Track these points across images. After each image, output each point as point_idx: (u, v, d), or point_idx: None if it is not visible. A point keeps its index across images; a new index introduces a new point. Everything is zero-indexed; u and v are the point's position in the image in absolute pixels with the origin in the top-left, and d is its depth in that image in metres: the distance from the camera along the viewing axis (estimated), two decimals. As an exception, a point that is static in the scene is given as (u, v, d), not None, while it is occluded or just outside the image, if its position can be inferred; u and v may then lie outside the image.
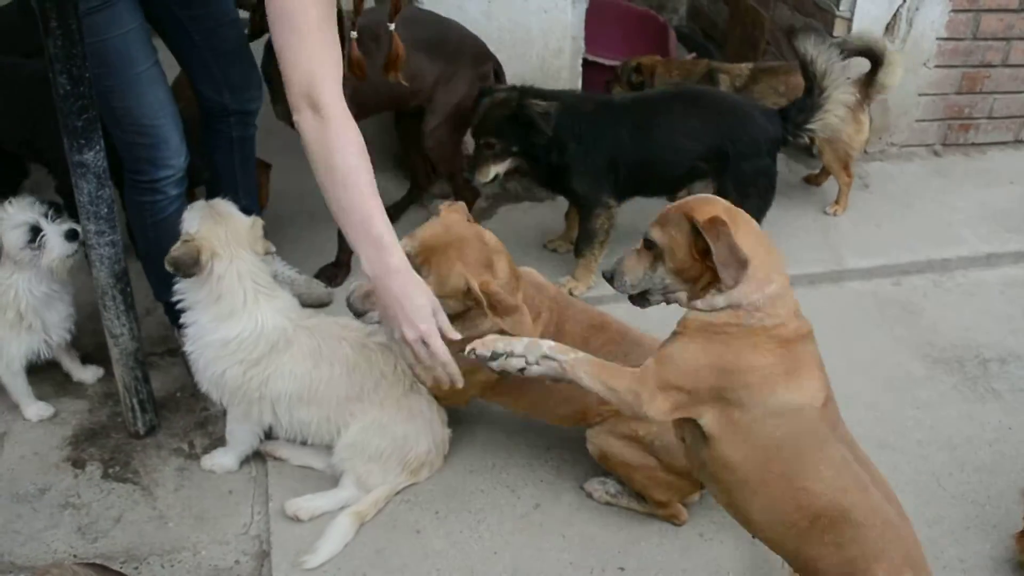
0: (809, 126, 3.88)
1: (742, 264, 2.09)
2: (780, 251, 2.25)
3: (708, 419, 2.16)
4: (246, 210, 3.47)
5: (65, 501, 3.06)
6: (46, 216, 3.14)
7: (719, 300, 2.15)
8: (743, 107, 3.99)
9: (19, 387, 3.31)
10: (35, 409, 3.35)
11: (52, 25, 2.56)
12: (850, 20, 4.64)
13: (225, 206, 2.96)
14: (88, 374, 3.51)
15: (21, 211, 3.13)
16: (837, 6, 4.64)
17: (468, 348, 2.28)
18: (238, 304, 2.88)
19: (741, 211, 2.24)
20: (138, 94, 2.99)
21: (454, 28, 3.96)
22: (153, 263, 3.22)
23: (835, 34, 4.67)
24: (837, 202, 4.57)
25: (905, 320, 4.01)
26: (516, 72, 4.22)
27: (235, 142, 3.49)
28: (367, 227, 2.48)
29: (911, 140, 5.10)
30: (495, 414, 3.38)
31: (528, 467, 3.19)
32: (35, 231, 3.11)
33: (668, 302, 2.31)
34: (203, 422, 3.34)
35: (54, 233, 3.12)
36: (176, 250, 2.82)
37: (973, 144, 5.20)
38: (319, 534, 2.89)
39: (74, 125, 2.72)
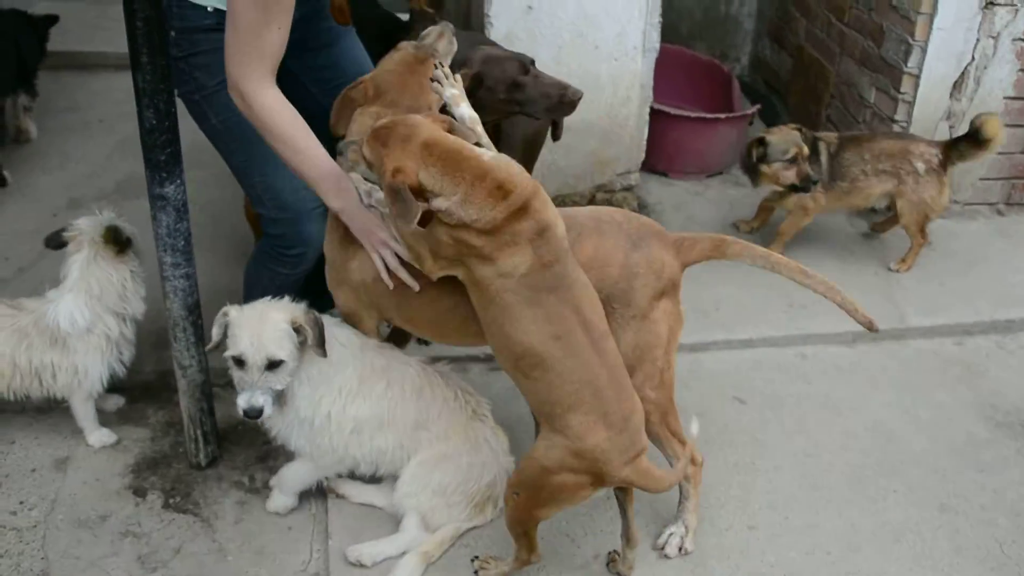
0: None
1: (407, 220, 2.48)
2: (464, 157, 2.53)
3: (460, 275, 2.64)
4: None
5: (126, 529, 3.08)
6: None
7: (438, 206, 2.52)
8: None
9: (88, 412, 3.34)
10: (98, 436, 3.37)
11: (143, 60, 2.61)
12: (918, 77, 4.63)
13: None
14: (110, 403, 3.52)
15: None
16: (905, 63, 4.63)
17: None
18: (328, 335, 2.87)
19: (435, 136, 2.54)
20: (276, 167, 2.97)
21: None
22: None
23: (902, 90, 4.67)
24: (904, 260, 4.55)
25: (968, 381, 3.97)
26: (584, 119, 4.23)
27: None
28: (319, 184, 2.82)
29: (975, 199, 5.06)
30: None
31: (588, 516, 3.17)
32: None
33: None
34: (264, 456, 3.35)
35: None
36: (312, 335, 2.77)
37: (1037, 205, 5.16)
38: (379, 574, 2.89)
39: (157, 159, 2.76)
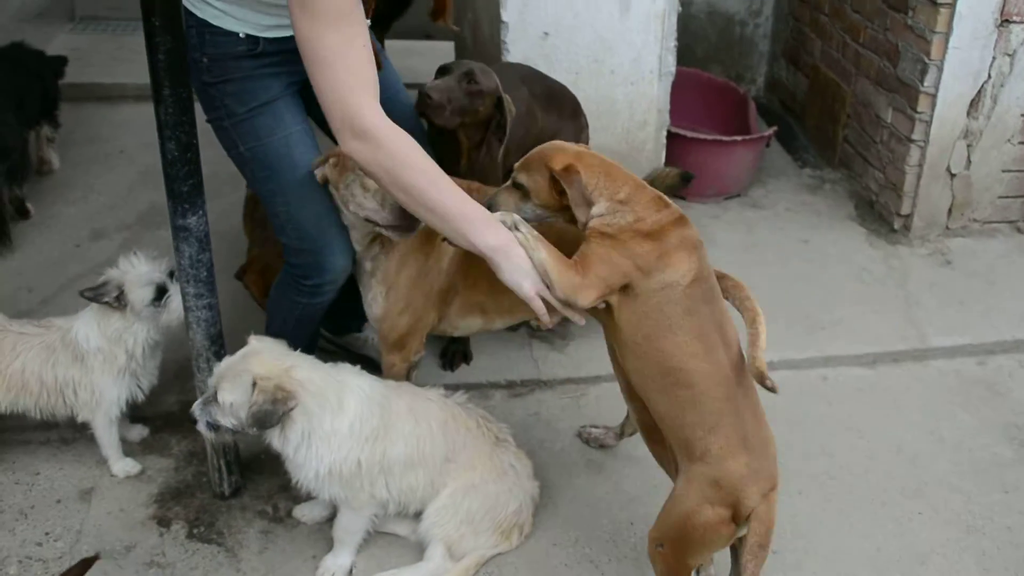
0: None
1: (589, 203, 2.55)
2: (622, 169, 2.64)
3: (616, 298, 2.57)
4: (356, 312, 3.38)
5: (150, 559, 3.08)
6: (171, 276, 3.21)
7: (592, 212, 2.56)
8: None
9: (111, 439, 3.35)
10: (122, 465, 3.39)
11: (165, 93, 2.62)
12: (934, 96, 4.63)
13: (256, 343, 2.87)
14: (134, 433, 3.54)
15: (149, 268, 3.20)
16: (921, 82, 4.63)
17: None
18: (338, 386, 2.84)
19: (586, 150, 2.67)
20: (300, 198, 2.99)
21: (556, 82, 4.07)
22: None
23: (919, 110, 4.67)
24: None
25: (991, 401, 3.95)
26: (601, 144, 4.25)
27: None
28: (466, 219, 2.55)
29: (994, 216, 5.05)
30: (579, 486, 3.38)
31: (611, 542, 3.17)
32: (161, 291, 3.18)
33: (542, 221, 2.70)
34: (287, 485, 3.31)
35: (178, 294, 3.14)
36: (258, 406, 2.69)
37: (1057, 221, 5.15)
38: (403, 604, 2.89)
39: (180, 190, 2.77)
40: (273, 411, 2.70)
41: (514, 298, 3.00)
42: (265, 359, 2.77)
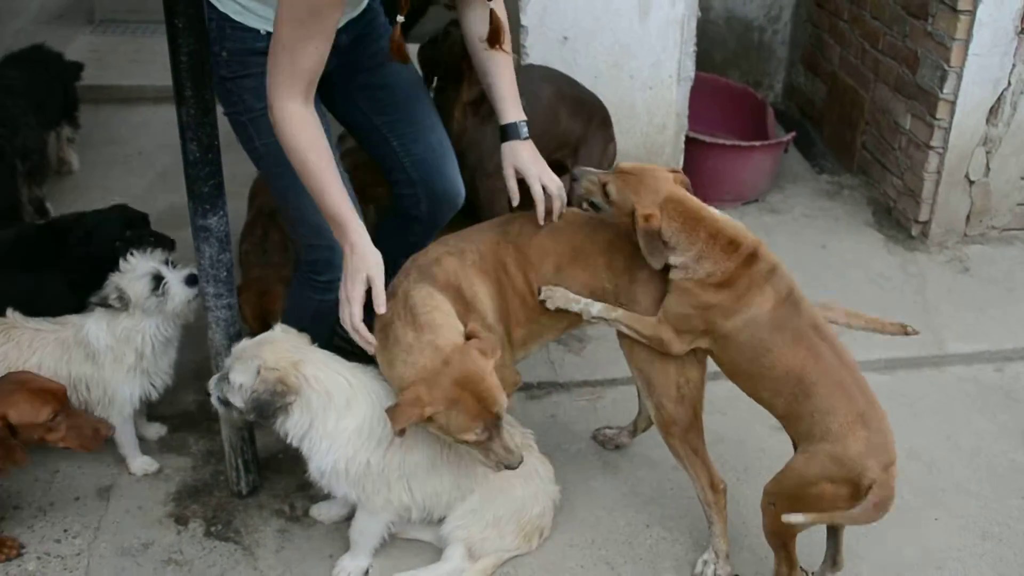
0: None
1: (657, 261, 2.76)
2: (702, 213, 2.77)
3: (706, 342, 2.82)
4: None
5: (168, 557, 3.11)
6: (166, 263, 3.23)
7: (674, 262, 2.77)
8: None
9: (128, 438, 3.38)
10: (140, 463, 3.41)
11: (187, 94, 2.65)
12: (953, 103, 4.61)
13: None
14: (152, 431, 3.57)
15: (143, 262, 3.22)
16: (941, 89, 4.61)
17: (541, 296, 2.90)
18: (347, 388, 2.83)
19: (675, 191, 2.79)
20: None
21: (589, 92, 4.05)
22: None
23: (938, 116, 4.66)
24: None
25: (1008, 407, 3.93)
26: (620, 147, 4.25)
27: (412, 248, 3.17)
28: (335, 222, 2.73)
29: (1012, 224, 5.03)
30: (595, 488, 3.38)
31: (627, 544, 3.17)
32: (157, 279, 3.19)
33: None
34: (304, 484, 3.33)
35: (175, 280, 3.20)
36: (258, 394, 2.74)
37: (1076, 229, 5.12)
38: (419, 604, 2.89)
39: (201, 191, 2.79)
40: (271, 402, 2.73)
41: (543, 323, 3.02)
42: (278, 349, 2.80)
